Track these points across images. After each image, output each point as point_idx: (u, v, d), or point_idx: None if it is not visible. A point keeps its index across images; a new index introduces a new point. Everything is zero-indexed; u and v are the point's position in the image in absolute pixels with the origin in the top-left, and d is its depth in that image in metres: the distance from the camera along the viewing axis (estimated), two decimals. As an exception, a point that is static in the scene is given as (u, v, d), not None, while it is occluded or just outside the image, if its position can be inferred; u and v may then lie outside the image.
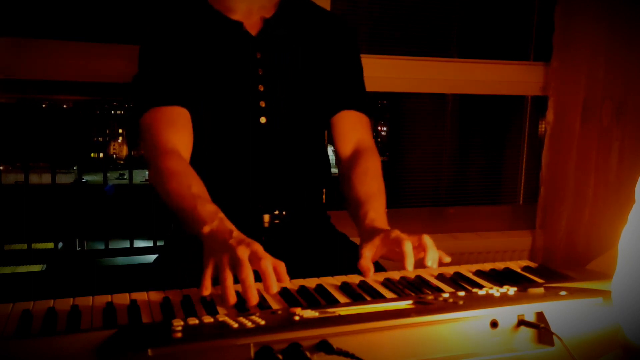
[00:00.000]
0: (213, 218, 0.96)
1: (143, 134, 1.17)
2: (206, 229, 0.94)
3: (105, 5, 1.86)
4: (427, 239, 0.97)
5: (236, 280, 0.83)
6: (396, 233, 1.00)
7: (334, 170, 1.37)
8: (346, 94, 1.30)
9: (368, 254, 1.00)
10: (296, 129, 1.25)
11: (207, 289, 0.85)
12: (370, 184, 1.20)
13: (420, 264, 0.98)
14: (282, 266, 0.86)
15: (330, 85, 1.28)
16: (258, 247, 0.86)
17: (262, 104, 1.21)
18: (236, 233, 0.91)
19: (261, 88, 1.21)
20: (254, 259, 0.84)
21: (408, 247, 0.95)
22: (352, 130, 1.29)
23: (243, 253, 0.84)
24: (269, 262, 0.84)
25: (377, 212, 1.13)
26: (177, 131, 1.16)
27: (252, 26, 1.23)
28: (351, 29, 1.36)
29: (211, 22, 1.23)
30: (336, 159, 1.33)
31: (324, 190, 1.33)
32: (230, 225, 0.96)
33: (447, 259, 1.00)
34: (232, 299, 0.81)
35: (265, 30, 1.23)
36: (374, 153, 1.29)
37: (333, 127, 1.30)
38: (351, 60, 1.33)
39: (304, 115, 1.26)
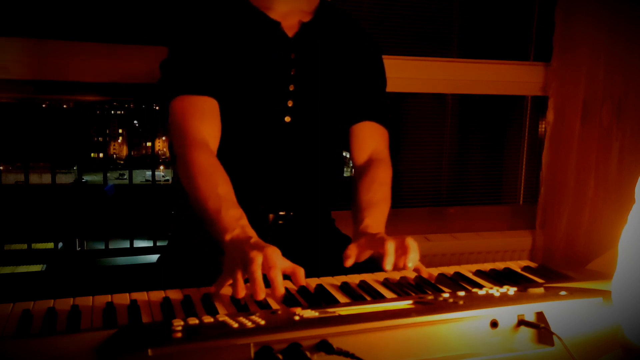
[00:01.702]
0: (235, 226, 0.97)
1: (172, 122, 1.17)
2: (227, 237, 0.96)
3: (114, 6, 1.86)
4: (411, 241, 0.99)
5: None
6: (381, 234, 1.03)
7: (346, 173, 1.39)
8: (369, 106, 1.32)
9: (353, 248, 1.04)
10: (318, 131, 1.26)
11: (218, 289, 0.90)
12: (375, 193, 1.22)
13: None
14: (300, 272, 0.90)
15: (356, 94, 1.30)
16: (271, 253, 0.87)
17: (290, 103, 1.22)
18: (254, 240, 0.93)
19: (291, 88, 1.22)
20: (265, 266, 0.86)
21: (390, 246, 0.97)
22: (369, 140, 1.32)
23: (255, 255, 0.85)
24: (278, 272, 0.86)
25: (373, 219, 1.15)
26: (206, 122, 1.16)
27: (290, 28, 1.24)
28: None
29: (248, 18, 1.23)
30: (352, 166, 1.35)
31: (332, 193, 1.34)
32: (251, 232, 0.97)
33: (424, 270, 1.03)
34: (242, 291, 0.84)
35: (301, 33, 1.24)
36: (387, 164, 1.31)
37: (352, 135, 1.33)
38: (378, 74, 1.36)
39: (328, 119, 1.27)
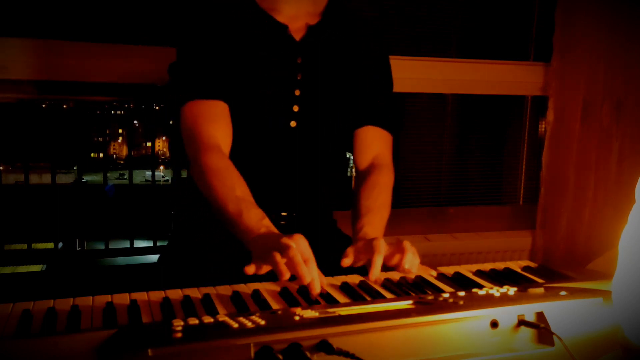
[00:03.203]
0: (259, 226, 0.99)
1: (184, 126, 1.17)
2: (253, 238, 0.97)
3: (114, 6, 1.86)
4: (407, 244, 0.99)
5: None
6: (376, 239, 1.01)
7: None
8: (374, 110, 1.31)
9: (351, 251, 1.03)
10: (323, 136, 1.26)
11: (253, 272, 0.91)
12: (375, 198, 1.21)
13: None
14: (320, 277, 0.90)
15: (362, 99, 1.29)
16: (307, 246, 0.90)
17: (296, 108, 1.22)
18: (279, 235, 0.94)
19: (297, 93, 1.22)
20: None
21: (378, 258, 0.96)
22: (372, 146, 1.31)
23: (289, 242, 0.88)
24: (314, 264, 0.88)
25: (372, 226, 1.14)
26: (218, 126, 1.16)
27: (297, 31, 1.23)
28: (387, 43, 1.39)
29: (255, 20, 1.22)
30: (355, 170, 1.35)
31: (335, 193, 1.34)
32: (275, 230, 0.99)
33: (431, 272, 1.03)
34: (287, 272, 0.85)
35: (308, 37, 1.23)
36: (389, 170, 1.30)
37: (355, 139, 1.32)
38: (384, 77, 1.36)
39: (333, 123, 1.27)
